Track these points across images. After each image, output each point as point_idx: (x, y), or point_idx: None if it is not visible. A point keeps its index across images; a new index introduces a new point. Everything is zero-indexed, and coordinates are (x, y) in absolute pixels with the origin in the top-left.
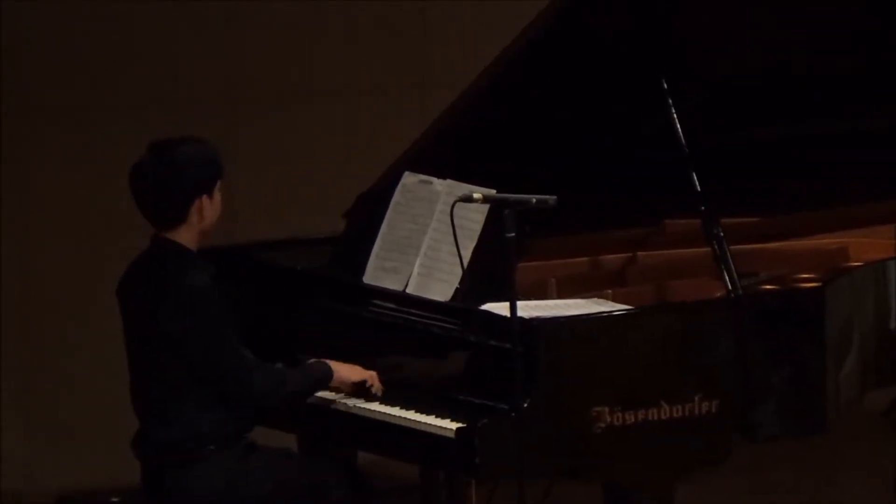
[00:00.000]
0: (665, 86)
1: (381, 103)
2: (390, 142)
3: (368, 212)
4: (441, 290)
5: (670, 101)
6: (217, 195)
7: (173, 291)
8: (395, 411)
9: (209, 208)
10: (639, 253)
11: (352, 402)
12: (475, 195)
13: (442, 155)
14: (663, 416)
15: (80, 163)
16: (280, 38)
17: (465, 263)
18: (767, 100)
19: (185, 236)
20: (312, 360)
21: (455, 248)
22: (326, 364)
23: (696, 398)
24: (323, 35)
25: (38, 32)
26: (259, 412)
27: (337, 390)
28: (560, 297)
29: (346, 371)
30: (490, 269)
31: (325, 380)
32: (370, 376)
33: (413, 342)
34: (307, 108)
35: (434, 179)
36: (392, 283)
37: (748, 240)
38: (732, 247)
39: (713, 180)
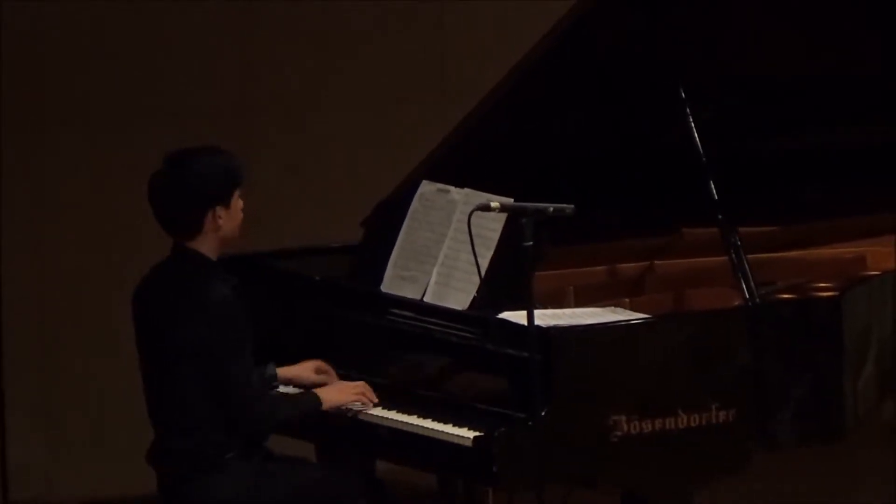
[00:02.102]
0: (683, 94)
1: (399, 112)
2: (408, 151)
3: (386, 221)
4: (458, 298)
5: (688, 109)
6: (236, 204)
7: (196, 302)
8: (413, 420)
9: (225, 218)
10: (656, 261)
11: (370, 410)
12: (492, 204)
13: (460, 164)
14: (680, 425)
15: (97, 171)
16: (296, 48)
17: (483, 272)
18: (785, 108)
19: (205, 246)
20: (303, 392)
21: (472, 257)
22: (314, 394)
23: (714, 407)
24: (338, 45)
25: (53, 42)
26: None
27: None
28: (577, 305)
29: (334, 397)
30: (507, 278)
31: (313, 411)
32: (359, 392)
33: (430, 350)
34: (324, 117)
35: (452, 188)
36: (410, 292)
37: (766, 249)
38: (750, 255)
39: (731, 189)
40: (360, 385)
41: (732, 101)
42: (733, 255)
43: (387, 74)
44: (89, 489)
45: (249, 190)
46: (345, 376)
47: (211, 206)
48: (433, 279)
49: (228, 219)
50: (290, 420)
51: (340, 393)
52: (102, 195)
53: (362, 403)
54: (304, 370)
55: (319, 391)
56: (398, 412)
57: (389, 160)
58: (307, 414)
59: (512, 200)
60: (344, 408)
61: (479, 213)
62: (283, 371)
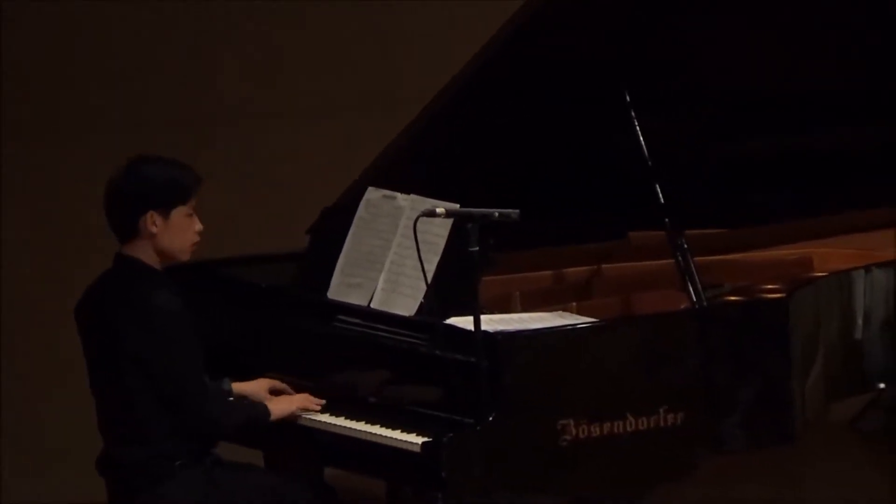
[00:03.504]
0: (628, 99)
1: (344, 121)
2: (354, 158)
3: (332, 228)
4: (405, 304)
5: (633, 113)
6: (176, 220)
7: (139, 309)
8: (361, 426)
9: (162, 227)
10: (603, 266)
11: (318, 416)
12: (438, 210)
13: (405, 170)
14: (629, 429)
15: (52, 180)
16: (245, 59)
17: (430, 278)
18: (731, 112)
19: (144, 253)
20: (253, 401)
21: (419, 263)
22: (264, 405)
23: (662, 410)
24: (286, 55)
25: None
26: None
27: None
28: (524, 310)
29: (282, 408)
30: (454, 284)
31: (262, 420)
32: (304, 404)
33: (378, 357)
34: (271, 126)
35: (398, 195)
36: (356, 299)
37: (713, 251)
38: (697, 258)
39: (678, 193)
40: (304, 396)
41: (677, 106)
42: (680, 259)
43: (332, 83)
44: (39, 498)
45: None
46: (292, 383)
47: (146, 210)
48: (380, 285)
49: (165, 230)
50: (241, 426)
51: (287, 404)
52: (57, 207)
53: (313, 409)
54: (259, 388)
55: (268, 403)
56: (346, 418)
57: (336, 168)
58: (257, 423)
59: (458, 206)
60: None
61: (425, 218)
62: (238, 387)
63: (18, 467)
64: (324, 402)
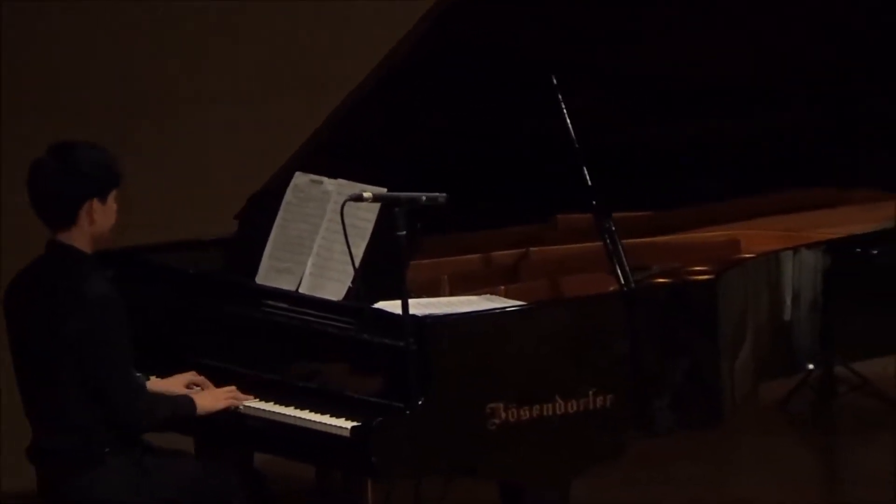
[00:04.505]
0: (555, 82)
1: (272, 105)
2: (283, 143)
3: (260, 213)
4: (334, 289)
5: (561, 97)
6: (111, 204)
7: (72, 297)
8: (290, 411)
9: (101, 213)
10: (531, 249)
11: (247, 402)
12: (365, 194)
13: (333, 155)
14: (558, 412)
15: None
16: (172, 43)
17: (357, 262)
18: (660, 97)
19: (79, 240)
20: (181, 395)
21: (347, 248)
22: (190, 399)
23: (591, 393)
24: (213, 39)
25: None
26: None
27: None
28: (453, 294)
29: (208, 402)
30: (382, 268)
31: (188, 415)
32: (230, 398)
33: (307, 341)
34: (199, 112)
35: (325, 179)
36: (285, 283)
37: (641, 234)
38: (625, 241)
39: (605, 175)
40: (231, 390)
41: (605, 90)
42: (608, 241)
43: (258, 68)
44: None
45: (126, 185)
46: (221, 369)
47: (89, 198)
48: (308, 270)
49: (103, 215)
50: (166, 420)
51: (213, 400)
52: None
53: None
54: (176, 384)
55: (194, 396)
56: (276, 404)
57: (264, 153)
58: (182, 416)
59: (385, 190)
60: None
61: (353, 203)
62: (154, 384)
63: None
64: (251, 397)
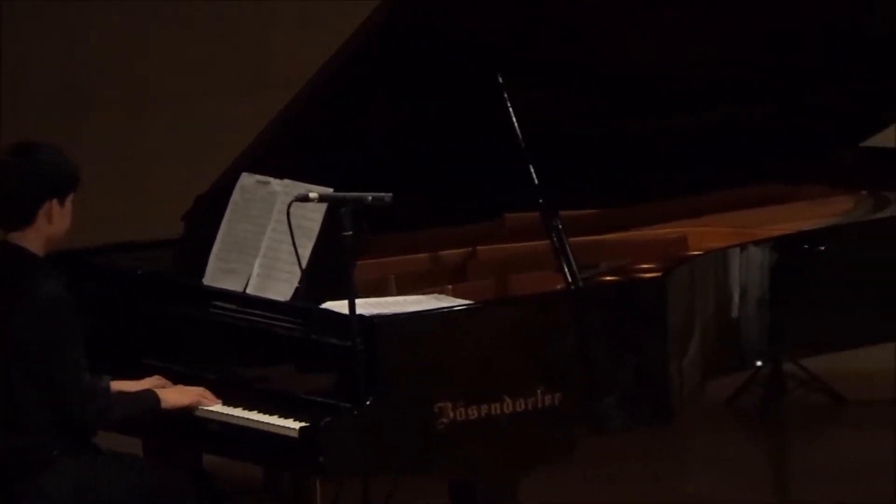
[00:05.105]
0: (501, 81)
1: (220, 105)
2: (230, 143)
3: (207, 213)
4: (281, 289)
5: (506, 95)
6: (68, 206)
7: (23, 298)
8: (238, 412)
9: (58, 215)
10: (478, 247)
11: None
12: (311, 195)
13: (280, 155)
14: (507, 411)
15: None
16: (120, 42)
17: (304, 263)
18: (606, 94)
19: (33, 242)
20: (141, 390)
21: (293, 248)
22: (153, 393)
23: (539, 391)
24: (162, 38)
25: None
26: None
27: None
28: (400, 293)
29: (174, 398)
30: (329, 268)
31: (150, 410)
32: (199, 397)
33: (255, 342)
34: (147, 111)
35: (272, 180)
36: (232, 284)
37: (589, 231)
38: (572, 239)
39: (553, 173)
40: (201, 389)
41: (552, 88)
42: (555, 239)
43: (203, 68)
44: None
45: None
46: (170, 371)
47: (48, 198)
48: (255, 271)
49: (60, 217)
50: (124, 418)
51: (182, 395)
52: None
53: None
54: (142, 387)
55: (160, 391)
56: (224, 405)
57: (212, 153)
58: (144, 413)
59: (332, 191)
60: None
61: (300, 203)
62: (116, 385)
63: None
64: (220, 401)
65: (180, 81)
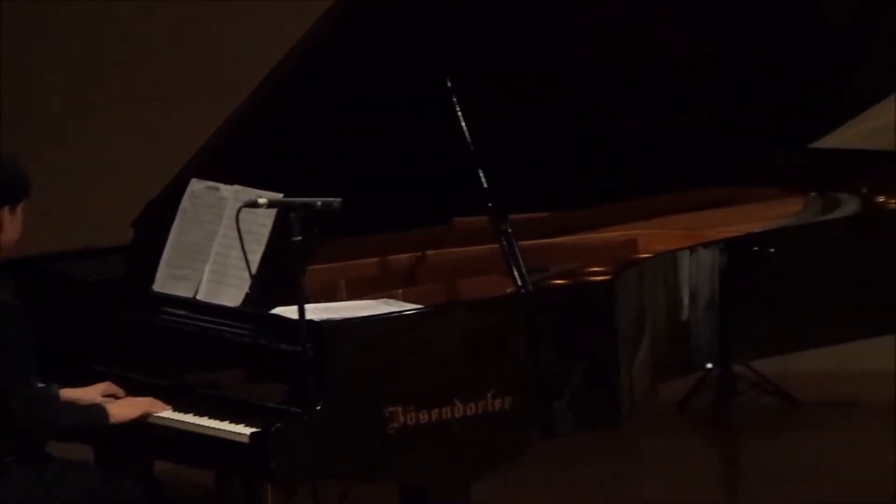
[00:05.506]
0: (450, 85)
1: (170, 111)
2: (181, 150)
3: (157, 220)
4: (231, 295)
5: (455, 99)
6: (19, 214)
7: None
8: (190, 418)
9: (10, 223)
10: (428, 252)
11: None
12: (260, 200)
13: (229, 161)
14: (457, 415)
15: None
16: (63, 49)
17: (254, 268)
18: (554, 97)
19: None
20: (92, 404)
21: (243, 254)
22: (103, 409)
23: (490, 395)
24: (111, 44)
25: None
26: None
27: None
28: (351, 298)
29: (124, 411)
30: (279, 273)
31: (99, 424)
32: (148, 408)
33: (206, 348)
34: (96, 118)
35: (221, 185)
36: (182, 290)
37: (538, 235)
38: (522, 242)
39: (502, 177)
40: (149, 400)
41: (500, 91)
42: (505, 243)
43: (159, 74)
44: None
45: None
46: (121, 377)
47: (1, 206)
48: (206, 277)
49: (11, 225)
50: (72, 428)
51: (131, 407)
52: None
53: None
54: (91, 394)
55: (108, 405)
56: (175, 411)
57: (162, 160)
58: (92, 426)
59: (281, 196)
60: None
61: (249, 209)
62: (67, 393)
63: None
64: (169, 407)
65: (131, 85)
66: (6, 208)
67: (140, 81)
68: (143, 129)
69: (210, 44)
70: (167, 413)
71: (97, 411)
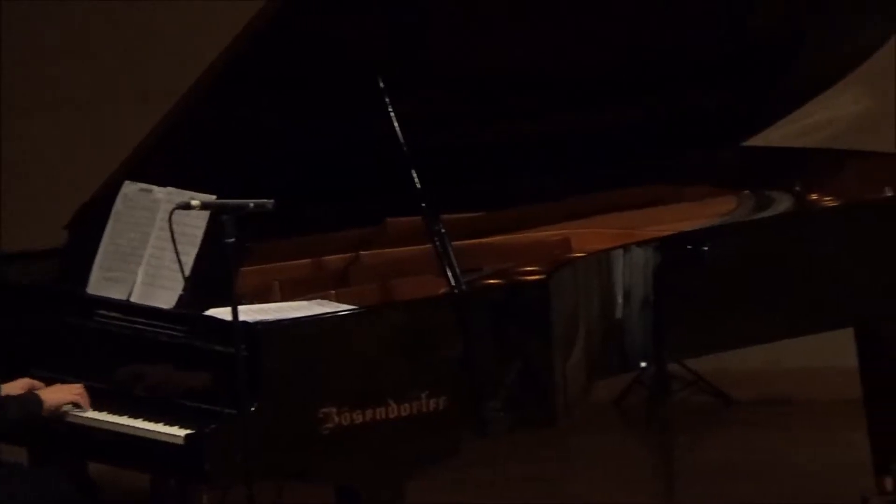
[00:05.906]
0: (382, 85)
1: (104, 113)
2: (115, 152)
3: (90, 222)
4: (165, 297)
5: (388, 99)
6: None
7: None
8: (124, 420)
9: None
10: (361, 252)
11: (80, 412)
12: (193, 202)
13: (162, 163)
14: (391, 415)
15: None
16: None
17: (188, 270)
18: (487, 97)
19: None
20: (26, 392)
21: (176, 256)
22: (35, 395)
23: (424, 395)
24: (46, 45)
25: None
26: None
27: (54, 414)
28: (284, 299)
29: (52, 397)
30: (213, 275)
31: (35, 412)
32: (77, 394)
33: (139, 350)
34: (30, 120)
35: (154, 188)
36: (116, 293)
37: (472, 235)
38: (455, 243)
39: (435, 177)
40: (79, 387)
41: (432, 92)
42: (438, 244)
43: (87, 75)
44: None
45: None
46: (56, 380)
47: None
48: (139, 279)
49: None
50: (16, 421)
51: (58, 393)
52: None
53: (78, 405)
54: (14, 389)
55: (40, 392)
56: (109, 413)
57: (96, 162)
58: (30, 415)
59: (214, 198)
60: (61, 410)
61: (182, 211)
62: None
63: None
64: (89, 401)
65: (67, 89)
66: None
67: (76, 84)
68: (81, 132)
69: (148, 47)
70: (102, 415)
71: (31, 398)
